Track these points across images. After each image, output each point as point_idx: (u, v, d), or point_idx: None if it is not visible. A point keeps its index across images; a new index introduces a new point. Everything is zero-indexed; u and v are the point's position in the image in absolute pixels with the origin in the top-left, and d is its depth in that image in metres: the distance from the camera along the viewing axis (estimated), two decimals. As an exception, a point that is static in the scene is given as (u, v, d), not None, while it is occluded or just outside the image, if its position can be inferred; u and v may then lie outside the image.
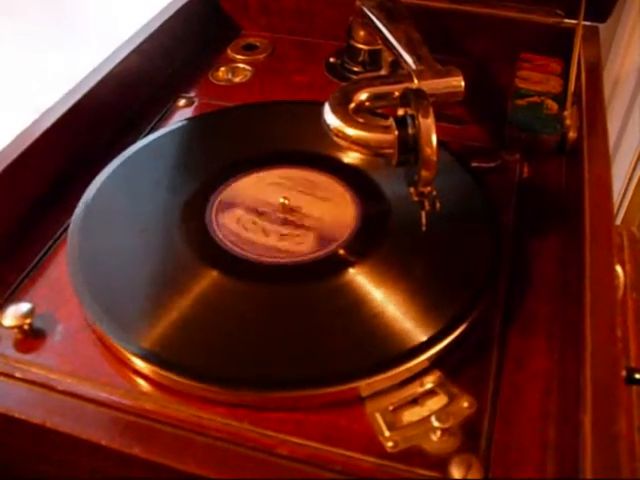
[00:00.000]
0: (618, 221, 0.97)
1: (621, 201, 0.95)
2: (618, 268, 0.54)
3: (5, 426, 0.41)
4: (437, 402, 0.42)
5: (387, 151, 0.47)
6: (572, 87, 0.61)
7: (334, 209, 0.54)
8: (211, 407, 0.42)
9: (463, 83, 0.52)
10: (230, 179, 0.57)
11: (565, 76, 0.67)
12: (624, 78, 0.88)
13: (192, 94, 0.72)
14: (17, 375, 0.43)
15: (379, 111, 0.52)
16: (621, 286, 0.59)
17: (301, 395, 0.42)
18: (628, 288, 0.65)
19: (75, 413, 0.40)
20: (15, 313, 0.46)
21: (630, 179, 0.92)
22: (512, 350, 0.45)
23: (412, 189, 0.47)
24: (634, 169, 0.91)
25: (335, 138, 0.49)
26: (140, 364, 0.43)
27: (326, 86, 0.73)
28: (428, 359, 0.43)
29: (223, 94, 0.72)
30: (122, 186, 0.57)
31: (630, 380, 0.46)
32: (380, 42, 0.64)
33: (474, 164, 0.59)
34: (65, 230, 0.54)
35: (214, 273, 0.49)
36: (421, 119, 0.44)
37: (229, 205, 0.55)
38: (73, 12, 1.15)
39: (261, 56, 0.79)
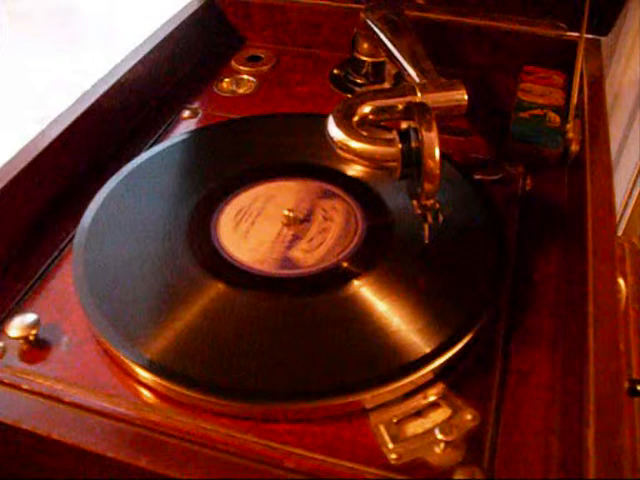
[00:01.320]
0: (619, 232, 0.97)
1: (622, 212, 0.96)
2: (620, 280, 0.55)
3: (11, 437, 0.41)
4: (441, 414, 0.42)
5: (391, 164, 0.47)
6: (574, 100, 0.61)
7: (338, 221, 0.54)
8: (216, 419, 0.42)
9: (466, 97, 0.53)
10: (235, 191, 0.58)
11: (567, 89, 0.68)
12: (625, 91, 0.88)
13: (196, 105, 0.73)
14: (23, 386, 0.43)
15: (382, 123, 0.52)
16: (623, 298, 0.60)
17: (305, 407, 0.42)
18: (630, 299, 0.65)
19: (81, 424, 0.41)
20: (21, 324, 0.46)
21: (631, 191, 0.92)
22: (515, 363, 0.46)
23: (415, 202, 0.48)
24: (635, 181, 0.91)
25: (339, 151, 0.49)
26: (145, 375, 0.43)
27: (330, 97, 0.74)
28: (432, 371, 0.43)
29: (227, 105, 0.73)
30: (127, 197, 0.57)
31: (633, 392, 0.46)
32: (384, 54, 0.65)
33: (477, 176, 0.60)
34: (71, 241, 0.54)
35: (219, 285, 0.49)
36: (424, 133, 0.44)
37: (234, 216, 0.55)
38: (78, 22, 1.17)
39: (265, 67, 0.79)
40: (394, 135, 0.47)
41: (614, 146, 0.92)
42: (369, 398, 0.42)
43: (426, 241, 0.48)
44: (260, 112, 0.70)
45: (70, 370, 0.45)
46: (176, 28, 0.76)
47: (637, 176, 0.91)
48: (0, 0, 1.11)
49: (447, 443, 0.40)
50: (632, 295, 0.65)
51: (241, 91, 0.76)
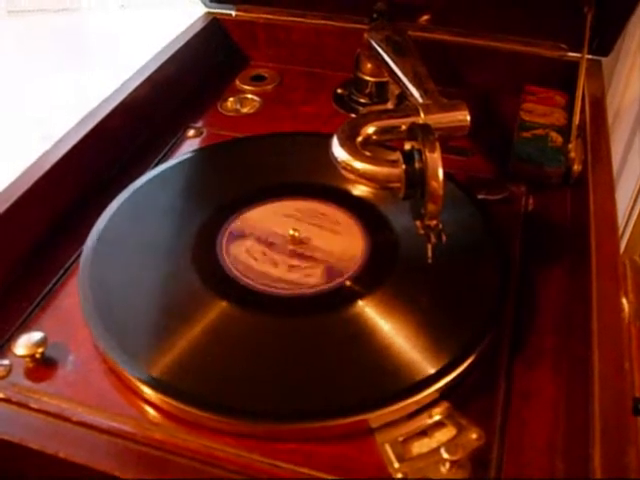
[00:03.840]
0: (620, 250, 0.97)
1: (623, 230, 0.96)
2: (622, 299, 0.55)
3: (18, 455, 0.41)
4: (446, 434, 0.42)
5: (394, 185, 0.48)
6: (577, 121, 0.62)
7: (343, 241, 0.55)
8: (221, 437, 0.42)
9: (469, 118, 0.53)
10: (239, 210, 0.58)
11: (569, 109, 0.68)
12: (625, 110, 0.89)
13: (201, 124, 0.73)
14: (30, 405, 0.43)
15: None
16: (625, 316, 0.60)
17: (311, 426, 0.42)
18: (631, 317, 0.65)
19: (88, 443, 0.41)
20: (27, 342, 0.46)
21: (632, 209, 0.93)
22: (519, 382, 0.46)
23: (418, 222, 0.48)
24: (635, 199, 0.92)
25: (343, 171, 0.49)
26: (150, 393, 0.44)
27: (333, 117, 0.74)
28: (436, 391, 0.43)
29: (232, 125, 0.73)
30: (132, 216, 0.57)
31: (636, 411, 0.46)
32: (387, 75, 0.65)
33: (480, 196, 0.60)
34: (76, 260, 0.54)
35: (223, 303, 0.49)
36: (428, 154, 0.45)
37: (239, 236, 0.55)
38: (82, 40, 1.18)
39: (269, 87, 0.80)
40: (398, 156, 0.47)
41: (614, 165, 0.92)
42: (374, 418, 0.42)
43: (429, 261, 0.48)
44: (264, 131, 0.70)
45: (76, 388, 0.45)
46: (180, 47, 0.76)
47: (637, 194, 0.92)
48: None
49: (453, 462, 0.40)
50: (633, 312, 0.66)
51: (245, 110, 0.76)
